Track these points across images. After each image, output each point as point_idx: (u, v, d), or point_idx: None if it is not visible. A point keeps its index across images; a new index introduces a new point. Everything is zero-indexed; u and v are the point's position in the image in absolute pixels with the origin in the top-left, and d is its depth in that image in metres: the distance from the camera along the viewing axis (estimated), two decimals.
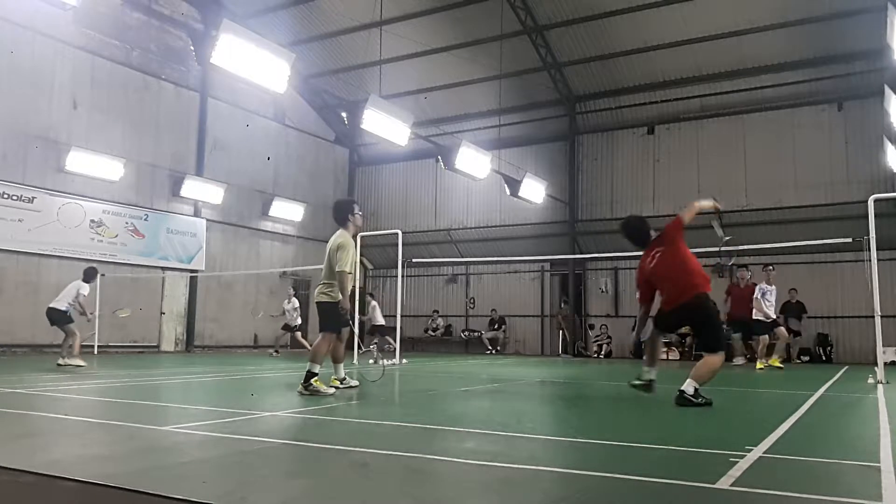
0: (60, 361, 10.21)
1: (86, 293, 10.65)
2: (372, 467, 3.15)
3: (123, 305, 16.42)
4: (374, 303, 16.51)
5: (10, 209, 14.44)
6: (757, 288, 12.10)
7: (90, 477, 2.73)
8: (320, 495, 2.66)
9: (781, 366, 12.29)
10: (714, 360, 5.87)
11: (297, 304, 16.41)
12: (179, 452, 3.59)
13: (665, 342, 16.96)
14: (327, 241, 6.92)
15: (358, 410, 5.52)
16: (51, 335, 14.72)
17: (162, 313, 17.62)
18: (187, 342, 18.06)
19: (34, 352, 13.94)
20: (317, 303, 6.78)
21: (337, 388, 6.84)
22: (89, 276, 10.90)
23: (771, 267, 12.59)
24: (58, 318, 10.47)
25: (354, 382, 7.13)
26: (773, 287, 12.19)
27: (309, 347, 15.93)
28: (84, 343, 15.29)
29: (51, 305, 10.56)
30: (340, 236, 6.75)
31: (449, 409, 5.78)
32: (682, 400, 5.70)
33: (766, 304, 11.94)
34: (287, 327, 16.29)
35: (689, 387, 5.72)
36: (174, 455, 3.50)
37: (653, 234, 6.37)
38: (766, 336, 12.14)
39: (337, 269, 6.56)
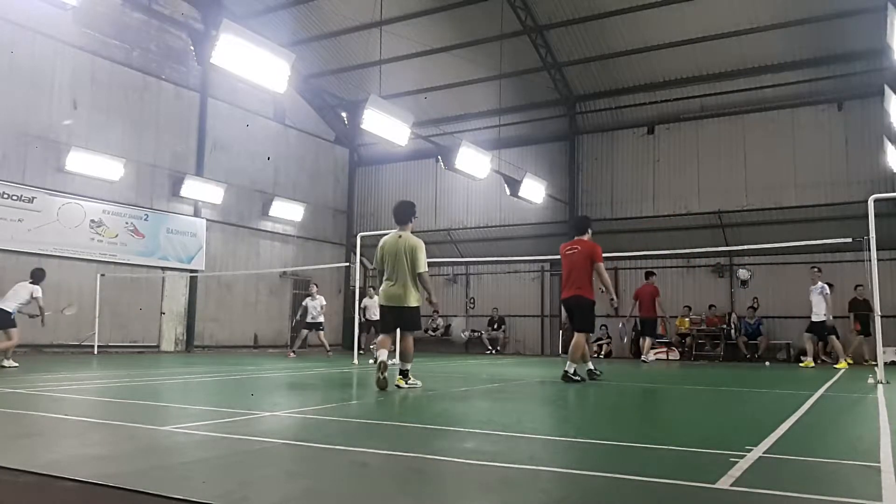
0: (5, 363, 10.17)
1: (41, 295, 10.70)
2: (372, 467, 3.15)
3: (122, 305, 16.52)
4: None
5: (10, 209, 14.45)
6: (812, 290, 12.80)
7: (90, 477, 2.73)
8: (320, 495, 2.66)
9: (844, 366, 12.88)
10: (580, 337, 8.32)
11: (323, 301, 16.50)
12: (179, 452, 3.59)
13: (665, 342, 17.08)
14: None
15: (358, 410, 5.52)
16: (51, 335, 14.82)
17: (162, 313, 17.63)
18: (187, 342, 18.06)
19: (35, 351, 13.93)
20: (410, 307, 7.07)
21: (400, 387, 6.99)
22: (39, 277, 10.89)
23: (816, 268, 13.17)
24: (3, 321, 10.41)
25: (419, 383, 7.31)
26: (816, 286, 12.73)
27: (329, 347, 16.08)
28: (84, 343, 15.40)
29: None
30: (412, 237, 7.16)
31: (449, 409, 5.78)
32: (566, 378, 7.98)
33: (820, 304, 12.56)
34: (309, 325, 16.18)
35: (569, 367, 8.09)
36: (174, 455, 3.50)
37: (589, 232, 9.00)
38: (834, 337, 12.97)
39: (419, 271, 7.01)
